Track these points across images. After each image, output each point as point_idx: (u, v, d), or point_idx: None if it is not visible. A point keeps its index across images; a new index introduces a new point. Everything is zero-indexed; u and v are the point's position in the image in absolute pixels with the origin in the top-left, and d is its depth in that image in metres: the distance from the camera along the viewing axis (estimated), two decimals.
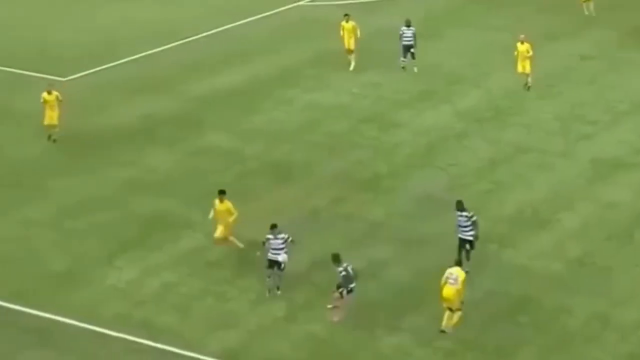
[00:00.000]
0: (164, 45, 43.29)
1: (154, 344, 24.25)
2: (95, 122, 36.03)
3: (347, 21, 39.91)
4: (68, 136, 34.49)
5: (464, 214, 26.36)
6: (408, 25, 39.38)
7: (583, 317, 25.22)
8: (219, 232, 27.06)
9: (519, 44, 37.56)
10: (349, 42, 39.80)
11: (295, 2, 48.63)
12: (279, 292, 25.64)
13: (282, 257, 25.44)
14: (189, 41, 43.84)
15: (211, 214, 27.26)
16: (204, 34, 44.60)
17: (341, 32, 39.97)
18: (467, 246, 26.29)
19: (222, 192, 27.15)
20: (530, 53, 37.44)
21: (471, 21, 45.68)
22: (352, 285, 24.89)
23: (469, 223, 26.24)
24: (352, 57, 39.89)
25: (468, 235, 26.28)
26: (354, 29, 39.82)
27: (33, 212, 29.99)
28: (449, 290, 24.22)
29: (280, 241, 25.48)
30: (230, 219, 27.04)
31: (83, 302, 25.79)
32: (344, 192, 31.08)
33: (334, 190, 31.20)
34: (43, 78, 39.48)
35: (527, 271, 26.93)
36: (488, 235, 28.37)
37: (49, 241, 28.60)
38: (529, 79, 37.79)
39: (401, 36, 39.45)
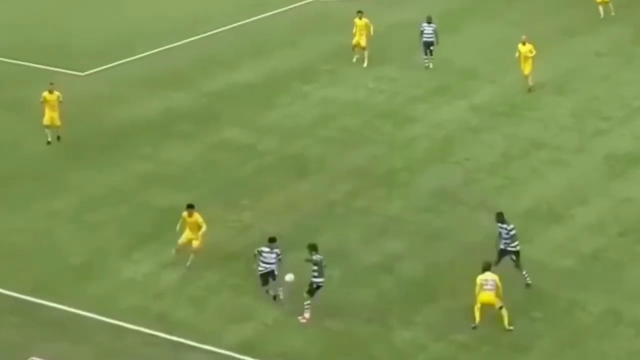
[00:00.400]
0: (182, 40, 43.29)
1: (170, 337, 24.26)
2: (114, 116, 36.09)
3: (360, 18, 39.73)
4: (86, 130, 34.56)
5: (504, 226, 25.64)
6: (429, 22, 39.17)
7: (597, 312, 25.11)
8: (184, 238, 26.38)
9: (520, 45, 36.94)
10: (360, 39, 39.60)
11: None
12: (281, 297, 25.20)
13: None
14: (207, 36, 43.84)
15: (178, 227, 26.72)
16: (221, 29, 44.58)
17: (353, 29, 39.79)
18: (513, 257, 25.67)
19: (190, 206, 26.38)
20: (534, 53, 36.67)
21: (488, 16, 45.49)
22: (321, 280, 24.60)
23: (508, 236, 25.58)
24: (365, 54, 39.65)
25: (510, 247, 25.57)
26: (366, 26, 39.57)
27: (53, 205, 30.06)
28: (487, 297, 24.12)
29: (273, 255, 24.98)
30: (200, 232, 26.25)
31: (100, 294, 25.85)
32: (359, 187, 31.03)
33: (349, 185, 31.14)
34: (61, 72, 39.63)
35: (541, 266, 26.82)
36: None
37: (69, 234, 28.68)
38: (530, 80, 36.95)
39: (422, 33, 39.23)
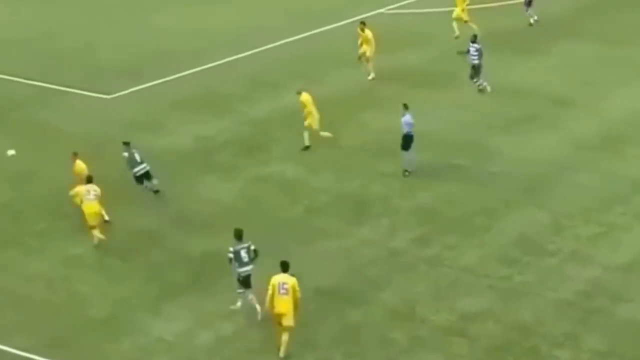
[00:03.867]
0: (223, 58, 43.88)
1: None
2: (144, 146, 36.48)
3: (362, 30, 41.22)
4: (112, 162, 35.05)
5: None
6: (473, 41, 39.90)
7: None
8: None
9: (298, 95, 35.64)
10: (366, 49, 41.08)
11: (377, 9, 49.04)
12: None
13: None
14: (255, 53, 44.37)
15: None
16: (270, 46, 45.11)
17: (359, 40, 41.21)
18: None
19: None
20: (308, 108, 35.22)
21: (585, 32, 45.49)
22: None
23: None
24: (370, 67, 41.07)
25: None
26: (368, 39, 40.94)
27: (74, 249, 30.53)
28: (283, 304, 25.03)
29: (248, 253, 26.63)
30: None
31: (125, 355, 26.12)
32: (428, 233, 31.10)
33: (416, 231, 31.23)
34: (83, 95, 40.34)
35: None
36: (598, 287, 28.21)
37: (90, 283, 29.05)
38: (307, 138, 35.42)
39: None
